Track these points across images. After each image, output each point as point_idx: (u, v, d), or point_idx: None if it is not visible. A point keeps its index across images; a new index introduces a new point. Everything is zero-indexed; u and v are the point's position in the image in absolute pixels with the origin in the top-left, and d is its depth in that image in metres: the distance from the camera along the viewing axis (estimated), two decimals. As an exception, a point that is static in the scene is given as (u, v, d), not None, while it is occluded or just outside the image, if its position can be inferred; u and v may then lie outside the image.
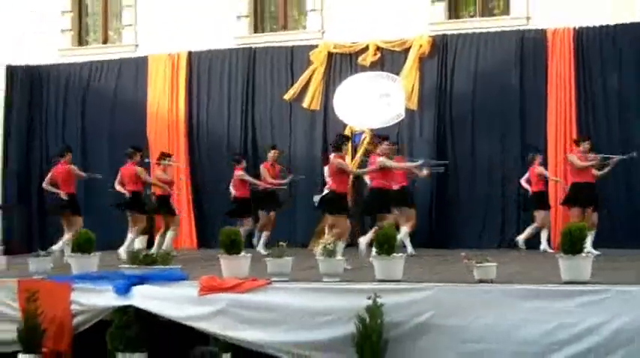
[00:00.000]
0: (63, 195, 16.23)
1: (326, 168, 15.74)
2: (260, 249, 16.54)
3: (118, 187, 16.74)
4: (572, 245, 10.28)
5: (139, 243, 17.05)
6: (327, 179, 15.31)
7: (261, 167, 17.83)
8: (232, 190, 17.41)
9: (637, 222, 17.18)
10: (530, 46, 18.35)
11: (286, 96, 19.80)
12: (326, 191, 14.63)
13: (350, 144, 17.19)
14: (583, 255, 10.33)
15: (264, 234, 17.25)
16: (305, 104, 19.67)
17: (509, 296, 10.15)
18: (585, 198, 15.43)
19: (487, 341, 10.00)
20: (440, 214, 17.70)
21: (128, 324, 11.29)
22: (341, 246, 13.10)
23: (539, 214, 16.78)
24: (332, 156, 14.16)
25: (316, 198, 14.84)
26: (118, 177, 16.83)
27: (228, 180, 17.70)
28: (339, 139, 14.27)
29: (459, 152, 18.53)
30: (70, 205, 16.43)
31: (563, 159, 16.91)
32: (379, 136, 15.49)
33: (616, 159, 15.95)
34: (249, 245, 16.63)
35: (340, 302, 10.64)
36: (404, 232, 16.16)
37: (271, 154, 17.95)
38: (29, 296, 11.76)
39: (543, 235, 16.80)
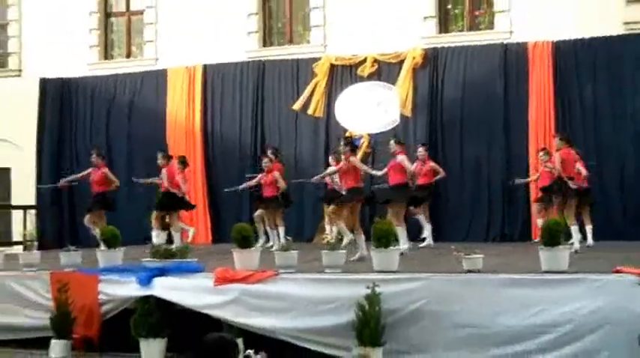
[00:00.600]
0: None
1: (332, 168, 15.56)
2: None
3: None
4: (551, 238, 10.30)
5: (160, 238, 17.03)
6: (331, 177, 15.28)
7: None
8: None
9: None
10: (513, 58, 18.34)
11: (295, 107, 19.77)
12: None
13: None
14: (560, 247, 10.35)
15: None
16: (309, 111, 19.67)
17: (494, 284, 10.16)
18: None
19: (475, 325, 9.99)
20: (432, 211, 17.66)
21: (150, 312, 11.29)
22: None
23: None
24: (348, 156, 13.91)
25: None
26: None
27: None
28: (349, 142, 14.31)
29: (448, 154, 18.54)
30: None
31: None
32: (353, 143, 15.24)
33: None
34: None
35: (342, 292, 10.64)
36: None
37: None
38: (60, 287, 11.78)
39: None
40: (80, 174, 17.53)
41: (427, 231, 16.67)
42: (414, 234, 16.32)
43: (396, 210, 14.82)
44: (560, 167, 14.22)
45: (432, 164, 17.02)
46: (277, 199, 16.50)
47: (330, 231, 17.63)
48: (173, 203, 16.89)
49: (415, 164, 16.36)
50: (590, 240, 15.14)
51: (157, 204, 17.06)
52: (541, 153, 16.35)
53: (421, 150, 16.98)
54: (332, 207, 14.65)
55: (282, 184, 16.40)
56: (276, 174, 16.51)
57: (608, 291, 9.65)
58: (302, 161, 19.56)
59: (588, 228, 15.38)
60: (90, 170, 17.11)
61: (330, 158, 17.61)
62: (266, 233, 16.96)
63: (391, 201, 14.88)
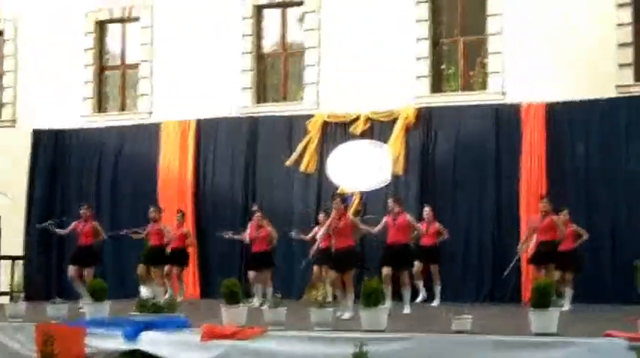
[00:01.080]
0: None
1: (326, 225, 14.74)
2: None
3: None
4: (541, 299, 10.26)
5: (149, 292, 16.92)
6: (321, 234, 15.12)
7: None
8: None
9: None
10: (506, 119, 18.41)
11: (287, 163, 19.80)
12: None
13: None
14: (551, 308, 10.30)
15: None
16: (302, 168, 19.69)
17: (483, 346, 10.09)
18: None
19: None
20: (424, 271, 17.56)
21: (135, 367, 11.21)
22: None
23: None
24: (344, 214, 13.85)
25: None
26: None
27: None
28: (344, 200, 14.29)
29: (440, 214, 18.38)
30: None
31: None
32: (345, 201, 15.22)
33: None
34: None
35: (330, 350, 10.56)
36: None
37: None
38: (46, 339, 11.69)
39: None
40: (65, 231, 17.36)
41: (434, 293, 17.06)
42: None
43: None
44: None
45: (437, 225, 17.15)
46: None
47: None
48: (164, 257, 17.03)
49: (420, 224, 16.53)
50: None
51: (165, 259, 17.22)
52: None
53: (427, 210, 17.19)
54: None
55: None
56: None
57: (600, 356, 9.58)
58: (293, 216, 19.50)
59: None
60: (74, 224, 16.97)
61: (320, 216, 17.61)
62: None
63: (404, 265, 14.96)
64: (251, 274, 17.01)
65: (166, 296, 16.54)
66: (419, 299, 17.11)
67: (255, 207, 17.39)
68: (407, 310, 14.52)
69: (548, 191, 17.05)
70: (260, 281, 16.77)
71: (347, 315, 13.07)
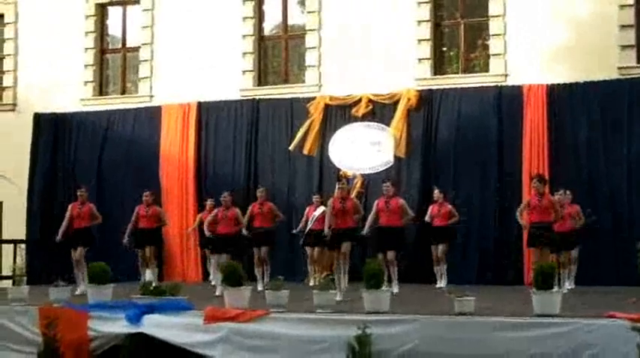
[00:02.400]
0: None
1: (329, 208, 14.57)
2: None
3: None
4: (543, 281, 10.29)
5: (151, 274, 16.94)
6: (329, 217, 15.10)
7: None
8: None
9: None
10: (508, 101, 18.43)
11: (290, 148, 19.80)
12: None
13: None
14: (553, 290, 10.34)
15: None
16: (305, 151, 19.70)
17: (486, 327, 10.13)
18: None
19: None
20: (424, 253, 17.59)
21: (139, 349, 11.24)
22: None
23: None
24: (348, 196, 14.36)
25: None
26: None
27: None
28: (345, 181, 14.46)
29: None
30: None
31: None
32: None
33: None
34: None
35: (332, 332, 10.61)
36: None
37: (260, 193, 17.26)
38: (49, 322, 11.74)
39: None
40: (66, 221, 17.08)
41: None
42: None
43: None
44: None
45: (449, 207, 17.16)
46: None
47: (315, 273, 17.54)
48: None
49: (432, 206, 17.01)
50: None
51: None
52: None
53: (437, 193, 17.24)
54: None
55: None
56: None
57: (602, 336, 9.61)
58: (295, 198, 19.53)
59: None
60: (70, 206, 16.87)
61: (314, 198, 17.74)
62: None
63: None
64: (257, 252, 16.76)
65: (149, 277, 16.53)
66: (440, 284, 16.92)
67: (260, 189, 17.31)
68: (395, 289, 14.39)
69: (541, 173, 16.96)
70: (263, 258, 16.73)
71: (340, 297, 12.99)
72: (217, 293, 14.38)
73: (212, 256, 16.86)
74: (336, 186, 14.37)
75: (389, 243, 14.98)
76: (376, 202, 15.25)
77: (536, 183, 14.10)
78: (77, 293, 15.04)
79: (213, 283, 16.37)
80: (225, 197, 16.10)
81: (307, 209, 17.91)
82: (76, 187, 17.53)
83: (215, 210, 16.51)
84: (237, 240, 15.94)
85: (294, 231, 18.12)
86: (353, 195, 18.24)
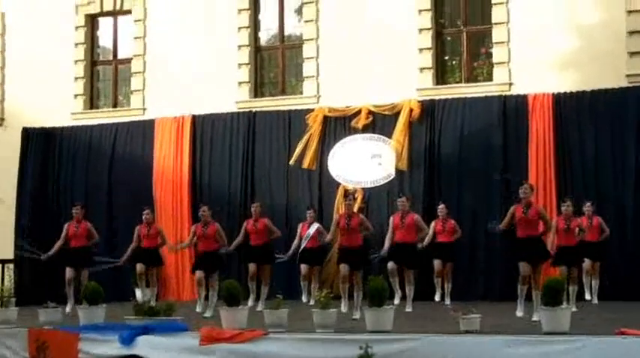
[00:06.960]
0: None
1: (333, 225, 14.75)
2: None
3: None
4: (552, 298, 10.25)
5: (146, 294, 16.86)
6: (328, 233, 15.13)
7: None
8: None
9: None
10: (513, 110, 18.40)
11: (291, 162, 19.75)
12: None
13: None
14: (562, 306, 10.30)
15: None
16: (304, 165, 19.63)
17: (492, 346, 10.07)
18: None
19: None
20: (428, 268, 17.55)
21: (132, 372, 11.21)
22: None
23: None
24: (352, 212, 14.39)
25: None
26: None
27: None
28: (352, 197, 14.50)
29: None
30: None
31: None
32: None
33: None
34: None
35: (333, 352, 10.58)
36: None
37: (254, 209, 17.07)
38: (39, 345, 11.70)
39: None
40: (61, 241, 17.00)
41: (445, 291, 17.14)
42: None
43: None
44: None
45: (453, 222, 17.20)
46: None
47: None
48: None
49: (435, 222, 17.04)
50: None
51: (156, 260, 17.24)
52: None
53: (442, 207, 17.24)
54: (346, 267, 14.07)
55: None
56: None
57: (613, 353, 9.58)
58: (293, 214, 19.48)
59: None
60: (66, 226, 16.84)
61: (307, 213, 17.74)
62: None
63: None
64: (252, 267, 16.64)
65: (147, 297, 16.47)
66: (445, 302, 16.92)
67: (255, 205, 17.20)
68: (409, 308, 14.69)
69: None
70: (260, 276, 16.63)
71: (357, 315, 13.04)
72: (207, 315, 14.40)
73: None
74: (344, 202, 14.48)
75: (406, 260, 15.13)
76: (392, 218, 15.46)
77: (523, 193, 13.58)
78: (67, 310, 15.03)
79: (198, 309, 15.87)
80: (204, 211, 15.77)
81: (300, 226, 17.84)
82: (72, 204, 17.50)
83: (193, 227, 16.30)
84: (219, 257, 15.81)
85: (277, 256, 17.20)
86: (354, 209, 18.27)
